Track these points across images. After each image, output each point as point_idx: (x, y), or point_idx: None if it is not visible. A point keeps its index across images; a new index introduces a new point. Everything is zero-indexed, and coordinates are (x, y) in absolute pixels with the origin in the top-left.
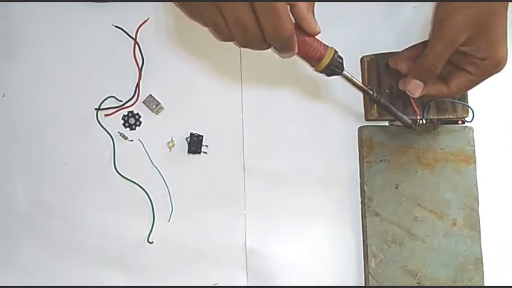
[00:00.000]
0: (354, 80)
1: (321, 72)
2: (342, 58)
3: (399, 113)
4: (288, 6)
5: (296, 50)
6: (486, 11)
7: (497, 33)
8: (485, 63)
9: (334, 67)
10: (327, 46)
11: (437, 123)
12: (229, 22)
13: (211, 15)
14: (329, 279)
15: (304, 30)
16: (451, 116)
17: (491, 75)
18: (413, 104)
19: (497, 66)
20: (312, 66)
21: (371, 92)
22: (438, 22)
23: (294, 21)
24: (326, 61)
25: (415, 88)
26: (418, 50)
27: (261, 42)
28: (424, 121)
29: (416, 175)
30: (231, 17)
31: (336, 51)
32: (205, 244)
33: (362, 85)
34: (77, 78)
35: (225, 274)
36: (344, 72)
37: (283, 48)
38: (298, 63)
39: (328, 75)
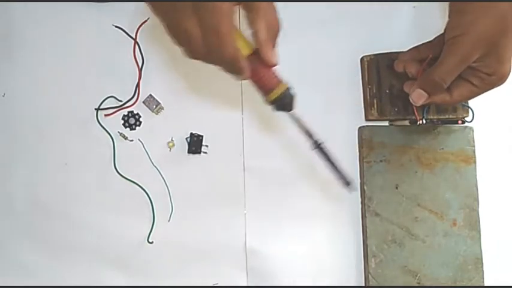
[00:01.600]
0: (301, 122)
1: (269, 104)
2: (293, 96)
3: (337, 165)
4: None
5: (246, 75)
6: (499, 30)
7: (506, 50)
8: (491, 78)
9: (282, 104)
10: (281, 81)
11: (437, 123)
12: (175, 27)
13: (165, 10)
14: (329, 279)
15: (260, 59)
16: (451, 116)
17: (494, 87)
18: (414, 105)
19: (501, 80)
20: (262, 95)
21: (314, 139)
22: (451, 38)
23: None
24: (274, 96)
25: (419, 97)
26: (421, 52)
27: (205, 58)
28: (424, 121)
29: (416, 175)
30: (175, 22)
31: (288, 88)
32: (205, 244)
33: (307, 129)
34: (77, 78)
35: (225, 274)
36: (292, 112)
37: (229, 71)
38: (298, 63)
39: (277, 109)
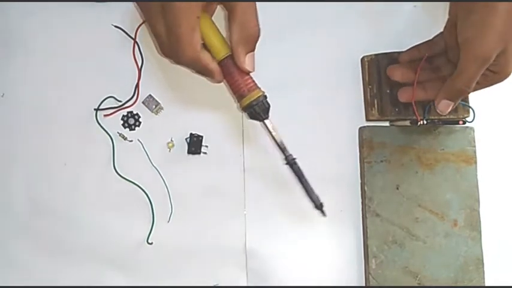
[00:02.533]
0: (273, 134)
1: (242, 110)
2: (266, 106)
3: (310, 187)
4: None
5: (218, 78)
6: (510, 26)
7: None
8: (495, 75)
9: (254, 111)
10: (256, 87)
11: (438, 123)
12: (149, 25)
13: (142, 8)
14: (329, 279)
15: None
16: (452, 116)
17: (495, 84)
18: (414, 106)
19: (504, 78)
20: (236, 101)
21: (287, 154)
22: (466, 41)
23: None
24: (246, 101)
25: (446, 107)
26: (421, 51)
27: (170, 57)
28: (425, 121)
29: (417, 175)
30: (148, 20)
31: (263, 96)
32: (205, 244)
33: (279, 142)
34: (76, 78)
35: (225, 274)
36: (266, 121)
37: (197, 72)
38: (298, 63)
39: (249, 117)
